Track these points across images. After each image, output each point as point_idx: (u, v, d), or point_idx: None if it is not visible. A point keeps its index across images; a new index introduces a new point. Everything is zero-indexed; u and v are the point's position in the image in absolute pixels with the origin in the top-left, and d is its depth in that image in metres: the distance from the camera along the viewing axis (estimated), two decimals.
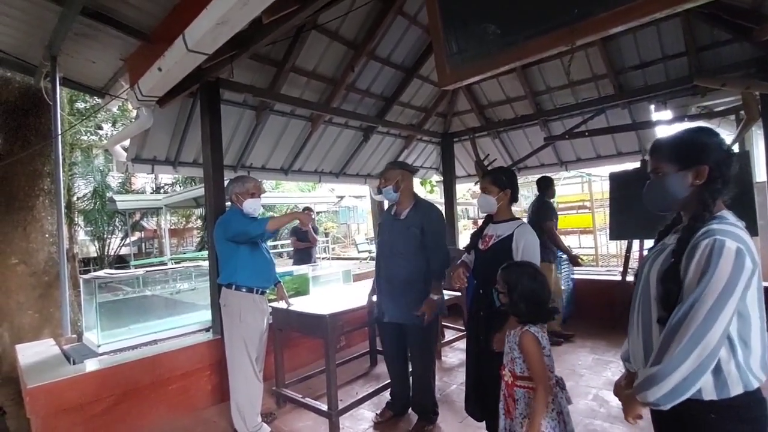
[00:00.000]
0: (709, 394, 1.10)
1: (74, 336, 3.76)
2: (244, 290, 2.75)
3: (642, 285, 1.29)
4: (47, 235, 4.44)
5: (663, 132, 5.28)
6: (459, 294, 4.38)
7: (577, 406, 3.06)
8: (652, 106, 4.88)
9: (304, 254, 6.35)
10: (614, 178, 5.02)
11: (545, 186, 4.75)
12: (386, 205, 3.12)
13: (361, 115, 5.26)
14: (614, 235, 5.15)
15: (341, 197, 18.74)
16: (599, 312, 5.02)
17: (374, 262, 3.09)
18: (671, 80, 4.45)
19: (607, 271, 7.22)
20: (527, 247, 2.22)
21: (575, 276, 5.46)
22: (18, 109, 4.35)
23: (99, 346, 3.20)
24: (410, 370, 2.91)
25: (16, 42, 3.55)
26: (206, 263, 3.74)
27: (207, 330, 3.59)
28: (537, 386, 1.68)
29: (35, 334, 4.16)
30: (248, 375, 2.72)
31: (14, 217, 4.26)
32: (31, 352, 3.22)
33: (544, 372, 1.69)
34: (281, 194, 17.23)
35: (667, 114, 4.78)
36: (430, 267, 2.67)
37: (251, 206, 2.80)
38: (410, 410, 2.97)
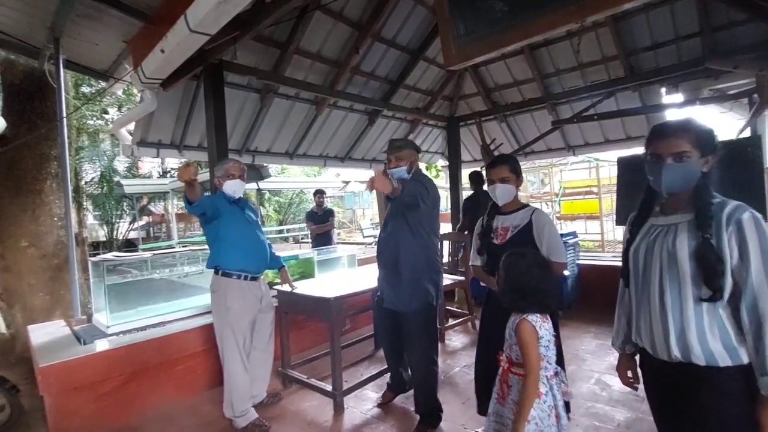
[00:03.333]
0: (725, 361, 1.20)
1: (84, 317, 3.82)
2: (233, 276, 2.69)
3: (657, 264, 1.30)
4: (56, 219, 4.48)
5: (674, 115, 5.19)
6: (462, 278, 4.39)
7: (579, 390, 3.08)
8: (663, 89, 4.78)
9: (323, 238, 6.35)
10: (622, 162, 4.94)
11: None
12: None
13: (366, 99, 5.21)
14: (622, 221, 5.08)
15: (347, 182, 18.70)
16: (604, 298, 4.98)
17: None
18: (684, 62, 4.34)
19: (613, 256, 7.17)
20: (551, 234, 2.12)
21: (580, 261, 5.44)
22: (23, 92, 4.34)
23: (108, 327, 3.25)
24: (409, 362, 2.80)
25: (18, 24, 3.52)
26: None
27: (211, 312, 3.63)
28: (527, 376, 1.64)
29: (46, 315, 4.23)
30: (235, 362, 2.71)
31: (23, 201, 4.30)
32: (42, 333, 3.29)
33: (536, 362, 1.65)
34: (287, 179, 17.23)
35: (678, 97, 4.67)
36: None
37: (231, 188, 2.73)
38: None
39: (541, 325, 1.71)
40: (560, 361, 2.05)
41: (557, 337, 1.81)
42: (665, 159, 1.29)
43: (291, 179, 17.29)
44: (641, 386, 1.52)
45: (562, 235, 4.91)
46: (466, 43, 1.93)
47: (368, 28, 4.38)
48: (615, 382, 3.16)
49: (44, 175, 4.44)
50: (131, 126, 4.17)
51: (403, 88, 5.48)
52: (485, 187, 4.69)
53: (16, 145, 4.14)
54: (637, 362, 1.56)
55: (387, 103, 5.43)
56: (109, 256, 3.80)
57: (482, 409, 2.32)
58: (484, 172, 4.76)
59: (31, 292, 4.30)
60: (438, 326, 4.16)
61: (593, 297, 5.13)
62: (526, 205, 2.28)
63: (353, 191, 19.36)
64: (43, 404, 2.68)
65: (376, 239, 2.82)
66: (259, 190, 12.59)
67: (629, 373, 1.59)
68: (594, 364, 3.55)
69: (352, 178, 18.24)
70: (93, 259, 3.79)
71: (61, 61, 3.71)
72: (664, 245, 1.29)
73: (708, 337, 1.21)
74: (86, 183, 10.56)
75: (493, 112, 6.04)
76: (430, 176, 2.77)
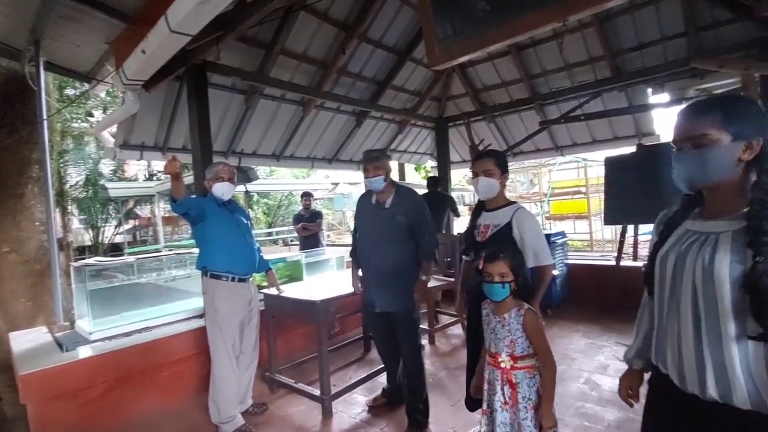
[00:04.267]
0: None
1: (67, 324, 3.75)
2: (221, 278, 2.72)
3: (689, 283, 1.04)
4: (38, 223, 4.39)
5: (660, 115, 5.24)
6: (452, 279, 4.38)
7: (568, 389, 3.08)
8: (650, 89, 4.82)
9: (311, 241, 6.31)
10: (609, 162, 4.98)
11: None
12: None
13: (354, 100, 5.20)
14: (609, 220, 5.13)
15: (336, 184, 18.62)
16: (593, 297, 5.04)
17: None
18: (669, 62, 4.38)
19: (602, 256, 7.23)
20: (534, 236, 2.08)
21: (569, 261, 5.47)
22: (4, 95, 4.25)
23: (91, 333, 3.18)
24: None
25: None
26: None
27: (200, 316, 3.57)
28: (547, 362, 1.72)
29: (29, 322, 4.15)
30: (223, 364, 2.70)
31: (4, 205, 4.21)
32: (24, 340, 3.22)
33: (549, 347, 1.75)
34: (275, 181, 17.12)
35: (664, 97, 4.73)
36: (419, 252, 2.67)
37: (219, 190, 2.76)
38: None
39: None
40: None
41: None
42: (682, 146, 1.05)
43: (279, 181, 17.18)
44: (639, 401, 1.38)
45: (551, 235, 5.00)
46: (450, 43, 1.92)
47: (354, 28, 4.37)
48: (605, 382, 3.17)
49: (25, 179, 4.35)
50: (114, 128, 4.10)
51: (390, 88, 5.47)
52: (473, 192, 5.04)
53: None
54: (643, 378, 1.36)
55: (375, 104, 5.42)
56: (91, 260, 3.73)
57: (470, 402, 2.33)
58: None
59: (13, 299, 4.21)
60: (427, 327, 4.18)
61: (582, 296, 5.17)
62: (512, 203, 2.23)
63: (342, 193, 19.27)
64: (26, 412, 2.62)
65: (360, 245, 2.86)
66: (247, 192, 12.50)
67: (631, 390, 1.40)
68: (583, 363, 3.55)
69: (341, 179, 18.17)
70: (74, 264, 3.72)
71: (41, 63, 3.64)
72: (698, 259, 1.01)
73: (756, 377, 0.95)
74: (71, 186, 10.37)
75: (482, 112, 6.06)
76: (411, 181, 2.91)
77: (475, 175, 2.21)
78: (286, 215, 16.94)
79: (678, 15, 4.09)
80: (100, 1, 2.95)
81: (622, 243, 5.06)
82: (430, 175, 6.15)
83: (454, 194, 6.50)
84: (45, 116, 3.81)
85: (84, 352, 2.91)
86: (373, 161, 2.63)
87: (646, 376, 1.32)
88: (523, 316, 1.74)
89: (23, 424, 2.78)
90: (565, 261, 5.33)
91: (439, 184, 5.75)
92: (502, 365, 1.77)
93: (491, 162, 2.16)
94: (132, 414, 2.92)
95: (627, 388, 1.40)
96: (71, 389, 2.69)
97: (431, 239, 2.70)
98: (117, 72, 3.13)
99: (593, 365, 3.50)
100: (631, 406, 1.39)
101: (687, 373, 1.04)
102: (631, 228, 5.01)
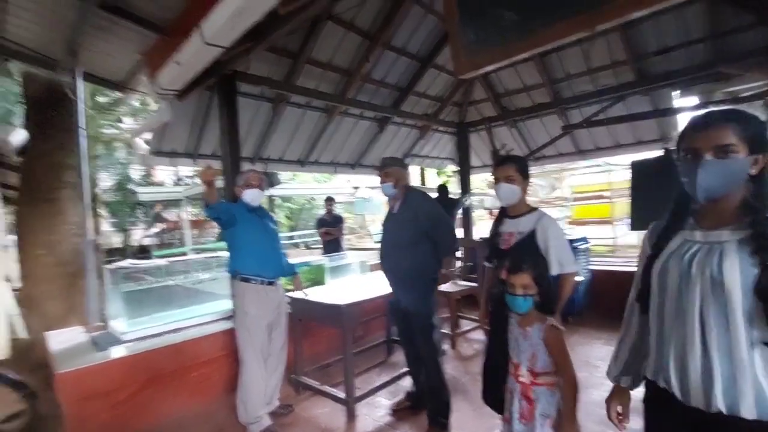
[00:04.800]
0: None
1: (100, 324, 3.87)
2: (251, 281, 2.80)
3: (696, 293, 1.04)
4: (71, 227, 4.56)
5: (685, 119, 5.14)
6: (475, 285, 4.38)
7: (590, 396, 3.02)
8: (674, 93, 4.73)
9: (333, 245, 6.41)
10: (636, 166, 4.89)
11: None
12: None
13: (377, 106, 5.25)
14: (636, 226, 5.02)
15: (357, 188, 18.74)
16: (615, 303, 4.90)
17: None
18: (693, 66, 4.30)
19: (625, 261, 7.07)
20: (559, 244, 2.05)
21: (591, 267, 5.38)
22: (40, 104, 4.43)
23: (124, 333, 3.29)
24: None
25: (36, 37, 3.60)
26: (226, 254, 3.81)
27: (228, 318, 3.65)
28: (570, 379, 1.68)
29: (63, 322, 4.28)
30: (252, 366, 2.77)
31: (38, 210, 4.36)
32: (60, 339, 3.33)
33: (572, 363, 1.70)
34: (298, 185, 17.33)
35: (689, 101, 4.63)
36: (437, 249, 2.70)
37: (249, 197, 2.85)
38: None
39: None
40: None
41: None
42: (703, 154, 1.04)
43: (302, 186, 17.39)
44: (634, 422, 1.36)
45: (573, 240, 4.93)
46: (477, 53, 1.94)
47: (378, 36, 4.43)
48: None
49: (60, 184, 4.51)
50: (146, 135, 4.26)
51: (412, 95, 5.52)
52: (471, 198, 5.35)
53: (33, 156, 4.23)
54: (630, 396, 1.37)
55: (397, 109, 5.47)
56: (124, 263, 3.86)
57: (487, 397, 2.33)
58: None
59: (47, 300, 4.35)
60: (449, 332, 4.19)
61: (604, 302, 5.05)
62: (535, 209, 2.18)
63: (363, 197, 19.37)
64: (60, 411, 2.71)
65: (381, 249, 2.92)
66: (269, 196, 12.69)
67: (620, 409, 1.38)
68: (605, 370, 3.49)
69: (362, 183, 18.26)
70: (109, 266, 3.85)
71: (78, 73, 3.79)
72: (706, 270, 1.02)
73: (765, 384, 0.97)
74: (102, 191, 10.74)
75: (503, 117, 6.04)
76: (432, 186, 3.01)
77: (497, 181, 2.17)
78: (309, 219, 17.13)
79: (701, 19, 4.03)
80: (133, 13, 3.07)
81: None
82: (440, 183, 6.32)
83: (474, 199, 6.55)
84: (82, 125, 3.97)
85: (118, 352, 2.99)
86: (383, 168, 2.78)
87: (634, 393, 1.32)
88: (545, 332, 1.71)
89: (58, 422, 2.88)
90: (588, 267, 5.24)
91: (448, 192, 5.98)
92: (522, 379, 1.76)
93: (513, 168, 2.12)
94: (161, 415, 2.99)
95: (616, 410, 1.37)
96: (104, 390, 2.77)
97: (447, 235, 2.72)
98: (150, 82, 3.26)
99: None
100: (623, 428, 1.36)
101: (692, 385, 1.04)
102: None
